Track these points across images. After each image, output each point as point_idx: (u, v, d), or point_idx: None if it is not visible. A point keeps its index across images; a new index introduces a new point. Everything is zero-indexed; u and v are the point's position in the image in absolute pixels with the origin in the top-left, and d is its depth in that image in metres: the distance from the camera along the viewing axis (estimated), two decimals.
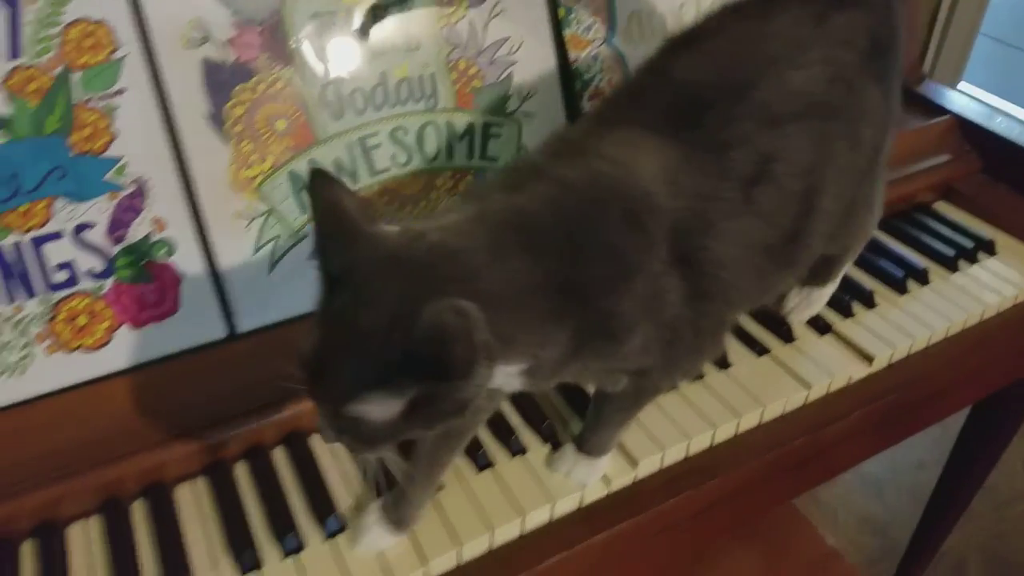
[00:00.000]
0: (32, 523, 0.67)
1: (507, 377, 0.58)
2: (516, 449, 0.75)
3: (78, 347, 0.70)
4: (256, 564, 0.65)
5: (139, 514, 0.69)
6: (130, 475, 0.70)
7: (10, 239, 0.68)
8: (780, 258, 0.70)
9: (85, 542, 0.67)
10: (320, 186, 0.55)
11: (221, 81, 0.73)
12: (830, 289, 0.89)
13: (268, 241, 0.76)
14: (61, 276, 0.69)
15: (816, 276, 0.86)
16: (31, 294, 0.69)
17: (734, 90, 0.66)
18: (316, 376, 0.53)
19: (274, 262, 0.76)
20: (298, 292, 0.77)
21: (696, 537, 0.84)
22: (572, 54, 0.89)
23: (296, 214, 0.77)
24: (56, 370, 0.69)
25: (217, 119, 0.73)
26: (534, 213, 0.58)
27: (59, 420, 0.69)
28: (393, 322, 0.50)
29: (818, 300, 0.89)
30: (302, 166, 0.77)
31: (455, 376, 0.49)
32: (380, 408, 0.52)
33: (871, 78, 0.72)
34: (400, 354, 0.50)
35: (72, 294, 0.70)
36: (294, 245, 0.77)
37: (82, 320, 0.70)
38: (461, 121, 0.84)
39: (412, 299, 0.50)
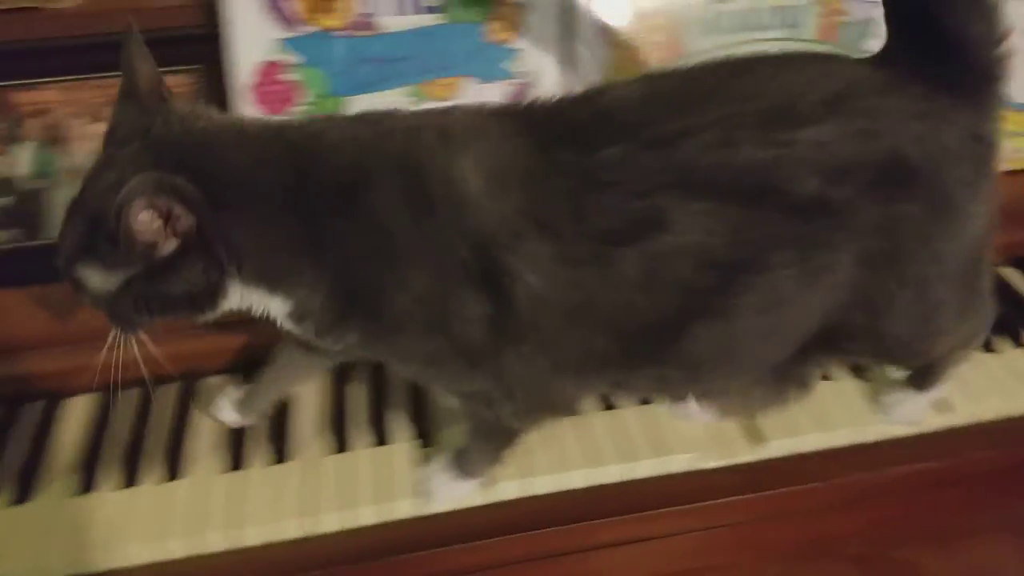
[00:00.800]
0: None
1: (269, 310, 0.57)
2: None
3: None
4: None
5: None
6: None
7: (428, 106, 0.81)
8: (633, 346, 0.58)
9: None
10: (129, 48, 0.55)
11: None
12: (927, 396, 0.74)
13: None
14: None
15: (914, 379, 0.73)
16: None
17: (665, 135, 0.54)
18: (59, 235, 0.54)
19: None
20: None
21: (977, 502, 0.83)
22: None
23: None
24: None
25: (605, 29, 0.81)
26: (331, 143, 0.55)
27: None
28: (111, 188, 0.49)
29: (912, 406, 0.73)
30: None
31: (124, 244, 0.48)
32: (96, 278, 0.52)
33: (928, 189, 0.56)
34: (103, 221, 0.49)
35: None
36: None
37: None
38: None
39: (137, 168, 0.49)
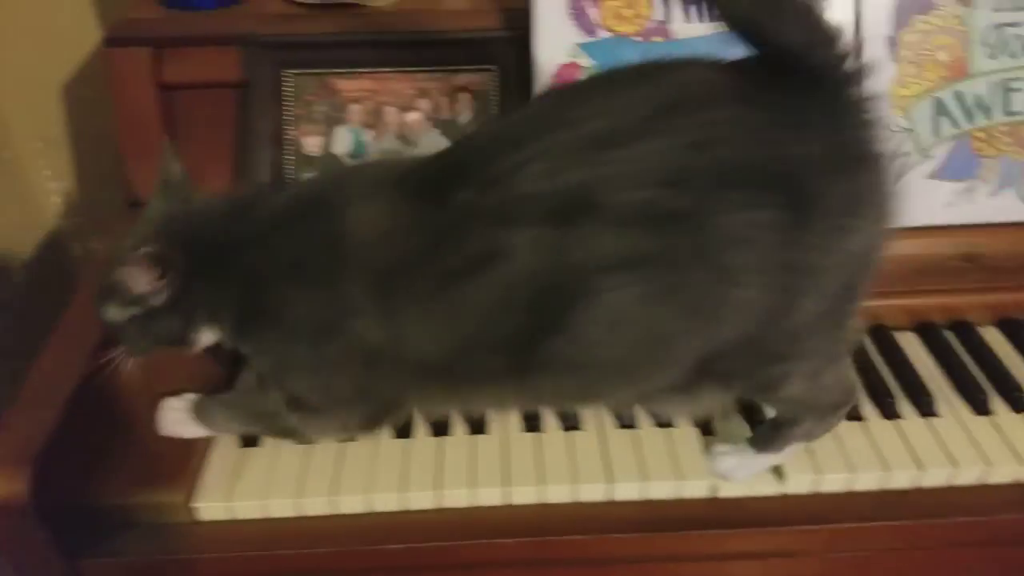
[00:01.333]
0: None
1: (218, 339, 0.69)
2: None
3: None
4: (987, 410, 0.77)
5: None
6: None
7: None
8: (505, 359, 0.62)
9: None
10: (165, 154, 0.70)
11: (906, 9, 0.84)
12: (765, 460, 0.71)
13: (899, 156, 0.85)
14: None
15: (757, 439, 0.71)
16: None
17: (503, 171, 0.58)
18: (98, 284, 0.69)
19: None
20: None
21: None
22: None
23: (928, 136, 0.85)
24: None
25: (893, 41, 0.84)
26: (273, 204, 0.67)
27: None
28: (128, 252, 0.66)
29: (742, 463, 0.71)
30: (946, 94, 0.85)
31: (126, 290, 0.65)
32: (112, 312, 0.67)
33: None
34: (120, 274, 0.66)
35: None
36: (921, 163, 0.86)
37: None
38: None
39: (146, 240, 0.65)
